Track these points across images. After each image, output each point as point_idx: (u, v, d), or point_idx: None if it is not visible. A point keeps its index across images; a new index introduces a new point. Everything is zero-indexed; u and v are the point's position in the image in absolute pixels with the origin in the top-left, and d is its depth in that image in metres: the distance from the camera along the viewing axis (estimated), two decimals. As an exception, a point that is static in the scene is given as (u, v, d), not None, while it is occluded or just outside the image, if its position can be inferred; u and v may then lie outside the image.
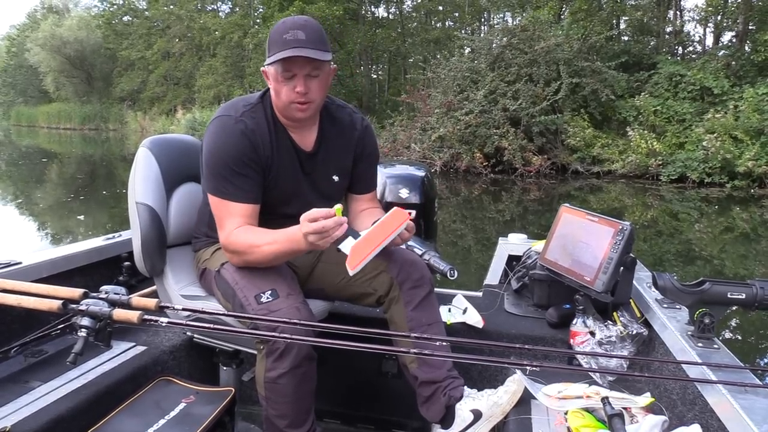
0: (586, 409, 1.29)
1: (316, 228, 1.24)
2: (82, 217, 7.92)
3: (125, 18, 37.71)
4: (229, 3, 30.97)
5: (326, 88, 1.47)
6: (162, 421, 1.34)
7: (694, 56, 14.00)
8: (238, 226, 1.41)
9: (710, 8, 14.88)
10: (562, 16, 16.33)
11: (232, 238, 1.40)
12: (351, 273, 1.26)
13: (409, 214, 2.02)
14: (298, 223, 1.32)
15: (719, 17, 14.98)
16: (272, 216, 1.48)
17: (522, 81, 12.66)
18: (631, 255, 1.61)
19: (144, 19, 35.70)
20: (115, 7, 38.06)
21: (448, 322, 1.79)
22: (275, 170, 1.48)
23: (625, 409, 1.27)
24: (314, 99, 1.42)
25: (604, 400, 1.24)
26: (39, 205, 9.20)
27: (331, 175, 1.58)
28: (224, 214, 1.43)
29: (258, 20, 25.15)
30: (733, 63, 12.67)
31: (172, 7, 32.38)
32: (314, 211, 1.26)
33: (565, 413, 1.29)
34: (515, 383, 1.38)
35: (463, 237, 7.09)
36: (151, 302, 1.16)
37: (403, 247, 1.54)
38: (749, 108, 10.96)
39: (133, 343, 1.70)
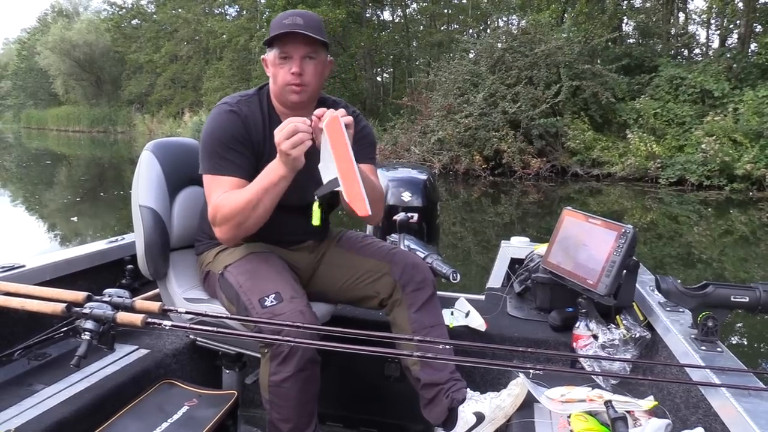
0: (590, 413, 1.29)
1: (287, 132, 1.24)
2: (75, 219, 7.93)
3: (134, 21, 37.98)
4: (236, 6, 31.11)
5: (322, 77, 1.50)
6: (165, 424, 1.35)
7: (699, 58, 13.94)
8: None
9: (714, 9, 14.85)
10: (564, 19, 16.33)
11: (218, 205, 1.38)
12: (369, 212, 1.18)
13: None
14: (298, 214, 1.40)
15: (724, 20, 14.95)
16: None
17: (522, 84, 12.68)
18: (634, 258, 1.61)
19: (152, 23, 35.88)
20: (123, 10, 38.29)
21: (451, 325, 1.79)
22: (267, 157, 1.46)
23: (628, 412, 1.27)
24: (309, 82, 1.45)
25: (608, 404, 1.24)
26: (48, 207, 9.22)
27: None
28: (213, 188, 1.42)
29: (264, 24, 25.20)
30: (735, 65, 12.65)
31: (180, 10, 32.55)
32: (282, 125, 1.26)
33: (568, 416, 1.29)
34: (518, 386, 1.38)
35: (463, 239, 7.09)
36: (155, 305, 1.15)
37: (407, 250, 1.53)
38: (749, 111, 10.96)
39: (136, 347, 1.70)
